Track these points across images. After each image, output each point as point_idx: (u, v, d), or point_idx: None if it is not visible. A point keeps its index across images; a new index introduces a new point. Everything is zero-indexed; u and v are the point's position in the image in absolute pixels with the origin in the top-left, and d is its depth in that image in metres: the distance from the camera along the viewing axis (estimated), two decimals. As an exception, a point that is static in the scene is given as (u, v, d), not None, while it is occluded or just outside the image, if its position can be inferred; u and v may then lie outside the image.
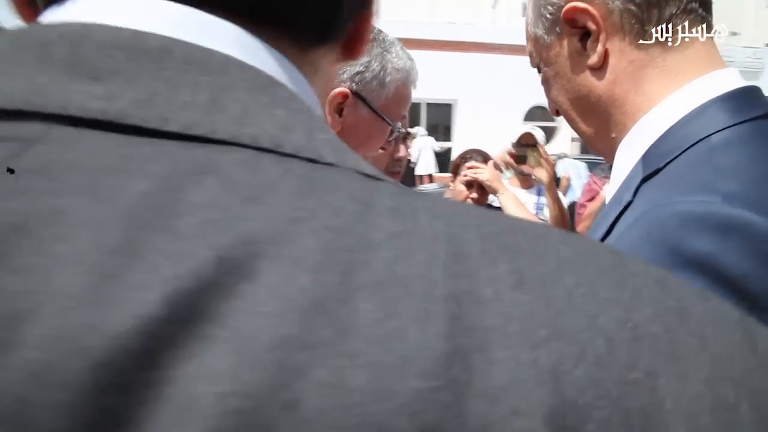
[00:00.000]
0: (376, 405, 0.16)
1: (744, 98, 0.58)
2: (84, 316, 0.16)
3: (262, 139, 0.22)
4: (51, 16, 0.26)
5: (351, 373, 0.17)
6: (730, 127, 0.55)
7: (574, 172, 4.18)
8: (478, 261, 0.20)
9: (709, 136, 0.55)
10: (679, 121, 0.58)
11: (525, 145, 2.37)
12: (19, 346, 0.16)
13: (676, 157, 0.56)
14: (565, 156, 5.50)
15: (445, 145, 14.29)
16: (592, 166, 4.12)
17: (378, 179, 0.23)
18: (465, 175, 2.19)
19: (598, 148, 0.71)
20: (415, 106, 15.58)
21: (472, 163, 2.20)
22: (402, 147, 1.69)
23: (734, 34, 23.24)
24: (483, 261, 0.20)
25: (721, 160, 0.51)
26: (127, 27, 0.24)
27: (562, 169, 3.88)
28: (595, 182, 3.12)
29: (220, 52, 0.24)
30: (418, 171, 12.63)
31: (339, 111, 1.09)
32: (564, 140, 13.85)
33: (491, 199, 2.23)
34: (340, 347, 0.17)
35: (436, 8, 23.31)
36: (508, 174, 2.65)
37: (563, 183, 3.55)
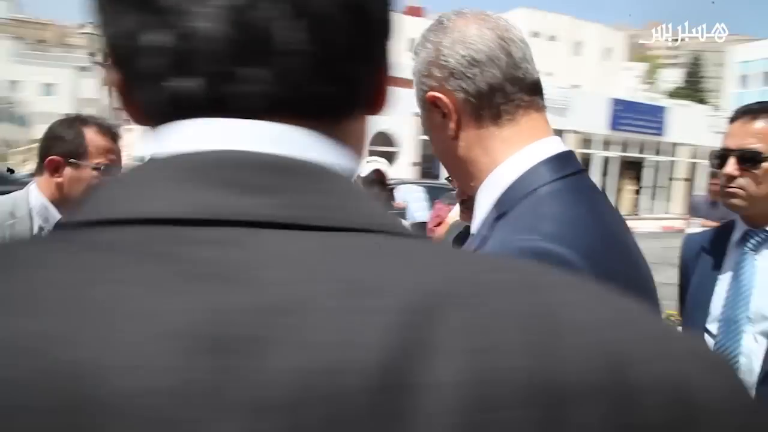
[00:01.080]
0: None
1: (561, 160, 0.83)
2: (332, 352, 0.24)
3: (378, 225, 0.30)
4: (169, 140, 0.31)
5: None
6: (550, 182, 0.79)
7: (413, 196, 4.69)
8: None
9: (536, 189, 0.79)
10: (519, 177, 0.82)
11: (374, 181, 2.45)
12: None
13: (516, 204, 0.80)
14: (402, 182, 5.95)
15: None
16: (437, 192, 4.52)
17: (409, 235, 0.31)
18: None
19: (466, 191, 0.94)
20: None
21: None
22: None
23: (549, 74, 26.22)
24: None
25: (541, 209, 0.76)
26: (254, 150, 0.29)
27: (400, 196, 4.29)
28: (440, 208, 3.41)
29: (317, 163, 0.31)
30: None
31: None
32: (404, 165, 14.56)
33: None
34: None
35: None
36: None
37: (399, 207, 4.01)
